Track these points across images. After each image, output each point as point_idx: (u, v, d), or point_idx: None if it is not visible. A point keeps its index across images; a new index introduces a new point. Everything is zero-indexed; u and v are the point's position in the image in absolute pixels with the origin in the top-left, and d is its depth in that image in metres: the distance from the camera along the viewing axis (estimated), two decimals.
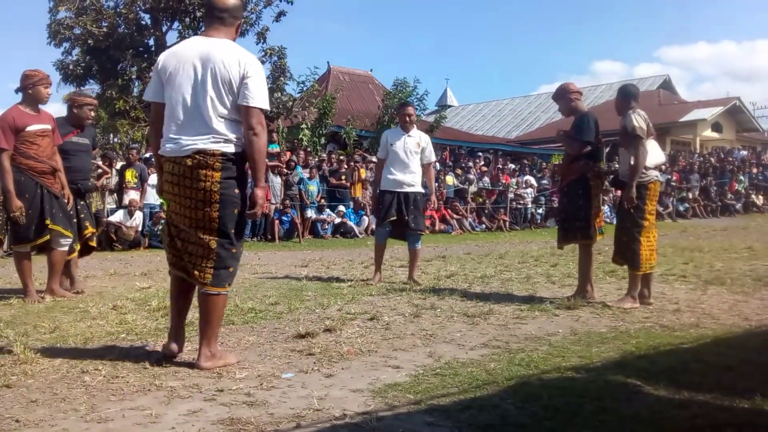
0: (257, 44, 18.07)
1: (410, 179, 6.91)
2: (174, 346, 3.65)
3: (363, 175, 16.19)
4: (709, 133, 33.24)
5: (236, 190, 3.53)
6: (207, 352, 3.53)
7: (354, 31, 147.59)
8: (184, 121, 3.48)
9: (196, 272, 3.49)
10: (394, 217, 6.84)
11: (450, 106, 44.54)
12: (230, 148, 3.49)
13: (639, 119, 5.44)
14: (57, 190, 5.80)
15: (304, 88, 20.34)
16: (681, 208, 22.29)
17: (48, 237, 5.75)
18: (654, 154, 5.59)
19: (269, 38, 18.15)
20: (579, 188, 5.71)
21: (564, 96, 5.86)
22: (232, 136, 3.50)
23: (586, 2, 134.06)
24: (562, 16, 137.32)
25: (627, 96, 5.70)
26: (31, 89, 5.67)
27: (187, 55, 3.53)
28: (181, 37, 16.93)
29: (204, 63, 3.48)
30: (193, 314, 3.95)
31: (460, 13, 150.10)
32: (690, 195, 23.10)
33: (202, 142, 3.45)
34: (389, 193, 6.92)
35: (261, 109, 3.51)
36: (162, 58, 3.61)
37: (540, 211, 19.66)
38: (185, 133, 3.47)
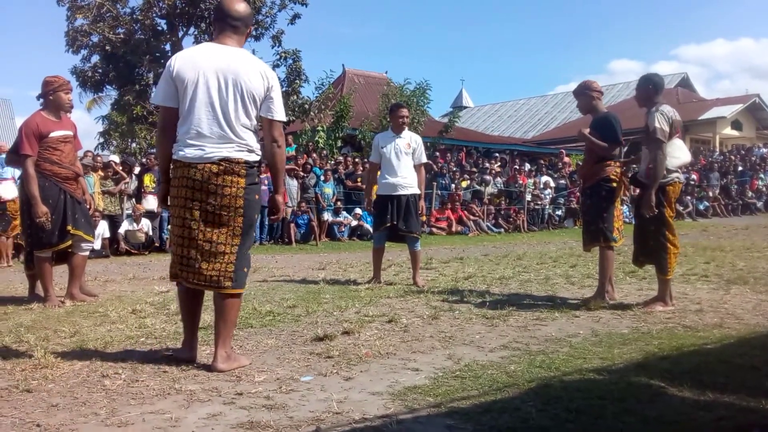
0: (272, 47, 18.15)
1: (403, 181, 6.87)
2: (193, 354, 3.70)
3: None
4: (728, 131, 32.89)
5: (257, 196, 3.65)
6: (223, 353, 3.56)
7: (369, 33, 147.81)
8: (208, 130, 3.50)
9: (215, 277, 3.52)
10: (388, 224, 6.83)
11: (466, 107, 44.46)
12: (252, 157, 3.59)
13: (662, 120, 5.17)
14: (79, 196, 5.86)
15: (321, 91, 20.39)
16: (701, 207, 22.05)
17: (70, 242, 5.81)
18: (678, 154, 5.38)
19: (284, 41, 18.19)
20: (601, 190, 5.62)
21: (585, 93, 5.75)
22: (253, 146, 3.60)
23: (602, 1, 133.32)
24: (578, 16, 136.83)
25: (649, 86, 5.39)
26: (52, 95, 5.73)
27: (206, 65, 3.52)
28: (197, 42, 17.03)
29: (227, 75, 3.51)
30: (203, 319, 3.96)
31: (475, 13, 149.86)
32: (710, 194, 22.85)
33: (227, 151, 3.51)
34: (383, 198, 6.91)
35: (281, 122, 3.67)
36: (176, 64, 3.55)
37: (558, 212, 19.53)
38: (209, 141, 3.50)
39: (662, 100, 5.40)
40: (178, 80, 3.52)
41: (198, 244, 3.51)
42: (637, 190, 5.63)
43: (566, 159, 22.43)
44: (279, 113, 3.63)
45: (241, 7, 3.66)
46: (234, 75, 3.51)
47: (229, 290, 3.55)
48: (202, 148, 3.49)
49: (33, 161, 5.57)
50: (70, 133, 5.83)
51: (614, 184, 5.60)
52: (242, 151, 3.54)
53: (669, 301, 5.34)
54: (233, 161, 3.51)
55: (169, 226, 3.79)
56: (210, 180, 3.49)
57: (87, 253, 6.13)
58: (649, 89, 5.40)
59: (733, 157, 26.96)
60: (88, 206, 6.07)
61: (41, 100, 5.81)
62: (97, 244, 10.91)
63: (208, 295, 3.79)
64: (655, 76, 5.55)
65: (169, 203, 3.70)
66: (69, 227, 5.72)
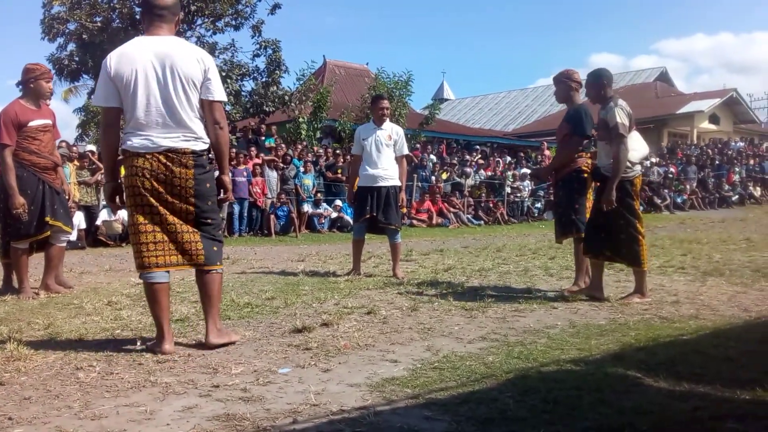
0: (252, 37, 17.97)
1: (383, 173, 6.85)
2: (171, 347, 3.67)
3: None
4: (706, 125, 33.24)
5: (208, 185, 3.70)
6: (215, 329, 3.75)
7: (350, 25, 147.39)
8: (153, 121, 3.55)
9: (187, 255, 3.65)
10: (368, 215, 6.82)
11: (447, 100, 44.47)
12: (198, 146, 3.65)
13: (622, 114, 5.17)
14: (58, 186, 5.77)
15: (302, 82, 20.25)
16: (678, 200, 22.31)
17: (48, 233, 5.72)
18: (638, 146, 5.38)
19: (264, 31, 18.03)
20: (574, 182, 5.64)
21: (564, 81, 5.70)
22: (200, 134, 3.66)
23: None
24: (560, 9, 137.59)
25: (603, 81, 5.36)
26: (32, 83, 5.62)
27: (142, 58, 3.55)
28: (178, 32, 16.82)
29: (164, 64, 3.55)
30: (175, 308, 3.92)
31: (457, 5, 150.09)
32: (687, 187, 23.12)
33: (173, 141, 3.57)
34: (364, 189, 6.89)
35: (221, 102, 3.74)
36: (113, 63, 3.57)
37: (538, 204, 19.64)
38: (154, 131, 3.57)
39: (615, 93, 5.39)
40: (117, 79, 3.55)
41: (160, 228, 3.60)
42: (597, 185, 5.61)
43: (547, 152, 22.53)
44: (218, 93, 3.68)
45: None
46: (170, 63, 3.55)
47: (204, 266, 3.68)
48: (149, 138, 3.56)
49: (11, 151, 5.47)
50: (49, 122, 5.73)
51: (586, 175, 5.62)
52: (189, 140, 3.60)
53: (646, 292, 5.38)
54: (179, 152, 3.58)
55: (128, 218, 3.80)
56: (158, 169, 3.56)
57: (64, 244, 6.05)
58: (603, 84, 5.37)
59: (710, 151, 27.29)
60: (67, 197, 5.99)
61: (21, 87, 5.70)
62: (73, 235, 10.77)
63: (180, 286, 3.75)
64: (605, 71, 5.50)
65: (120, 198, 3.76)
66: (47, 218, 5.63)
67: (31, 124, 5.55)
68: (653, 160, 24.33)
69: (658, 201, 21.65)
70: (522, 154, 24.39)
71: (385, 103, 7.10)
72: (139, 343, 3.81)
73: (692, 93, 36.33)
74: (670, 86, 38.67)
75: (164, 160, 3.55)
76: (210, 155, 3.76)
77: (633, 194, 5.33)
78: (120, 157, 3.72)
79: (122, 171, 3.79)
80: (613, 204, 5.19)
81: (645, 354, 3.57)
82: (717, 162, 25.82)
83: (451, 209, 17.32)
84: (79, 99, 28.14)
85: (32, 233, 5.66)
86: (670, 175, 22.80)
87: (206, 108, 3.66)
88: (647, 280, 5.48)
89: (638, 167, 5.42)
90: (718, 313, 4.82)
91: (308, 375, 3.25)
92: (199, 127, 3.65)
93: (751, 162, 27.35)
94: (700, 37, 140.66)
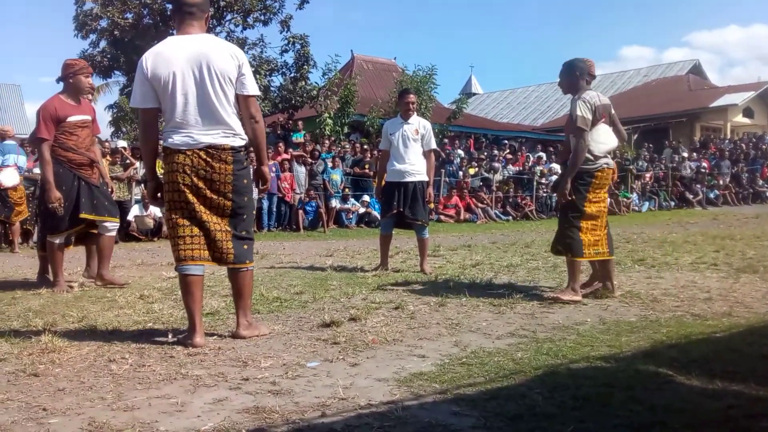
0: (281, 33, 18.06)
1: (410, 168, 6.83)
2: (202, 340, 3.71)
3: None
4: (740, 118, 32.56)
5: (245, 180, 3.78)
6: (245, 322, 3.86)
7: (378, 20, 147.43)
8: (193, 119, 3.63)
9: (218, 254, 3.72)
10: (395, 210, 6.81)
11: (475, 94, 44.19)
12: (237, 141, 3.72)
13: (584, 107, 5.00)
14: (95, 181, 5.82)
15: (327, 77, 20.29)
16: (711, 196, 21.94)
17: (82, 226, 5.81)
18: (604, 139, 5.17)
19: (292, 27, 18.13)
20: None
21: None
22: (238, 130, 3.73)
23: None
24: (589, 1, 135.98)
25: (576, 72, 5.17)
26: (71, 78, 5.71)
27: (178, 58, 3.62)
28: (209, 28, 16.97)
29: (200, 62, 3.61)
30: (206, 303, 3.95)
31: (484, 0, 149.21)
32: (721, 182, 22.71)
33: (213, 137, 3.65)
34: (391, 184, 6.89)
35: (255, 96, 3.84)
36: (149, 64, 3.62)
37: None
38: (195, 129, 3.64)
39: (587, 85, 5.21)
40: (155, 80, 3.62)
41: (196, 223, 3.68)
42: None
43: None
44: (252, 88, 3.74)
45: None
46: (206, 60, 3.61)
47: (232, 264, 3.75)
48: (190, 135, 3.65)
49: (49, 145, 5.57)
50: (88, 117, 5.81)
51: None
52: (228, 136, 3.68)
53: (578, 289, 5.14)
54: (219, 148, 3.65)
55: (165, 213, 3.89)
56: (199, 165, 3.64)
57: (113, 233, 6.05)
58: (576, 75, 5.19)
59: (744, 145, 26.76)
60: (110, 190, 6.10)
61: (61, 83, 5.80)
62: None
63: (211, 281, 3.80)
64: (579, 61, 5.28)
65: (162, 194, 3.83)
66: (82, 214, 5.69)
67: (69, 119, 5.63)
68: (684, 154, 23.97)
69: (690, 196, 21.33)
70: (552, 149, 24.13)
71: (412, 98, 7.08)
72: (170, 336, 3.87)
73: (726, 86, 35.60)
74: (703, 79, 37.97)
75: (205, 156, 3.63)
76: (247, 150, 3.82)
77: (588, 185, 5.11)
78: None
79: (158, 167, 3.86)
80: (566, 197, 5.09)
81: (677, 351, 3.52)
82: (751, 156, 25.32)
83: (479, 204, 17.23)
84: (108, 96, 28.55)
85: (64, 228, 5.75)
86: (703, 170, 22.42)
87: (242, 103, 3.73)
88: (679, 277, 5.40)
89: (603, 160, 5.17)
90: (751, 310, 4.73)
91: (336, 369, 3.27)
92: (236, 123, 3.71)
93: None
94: (734, 28, 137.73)
